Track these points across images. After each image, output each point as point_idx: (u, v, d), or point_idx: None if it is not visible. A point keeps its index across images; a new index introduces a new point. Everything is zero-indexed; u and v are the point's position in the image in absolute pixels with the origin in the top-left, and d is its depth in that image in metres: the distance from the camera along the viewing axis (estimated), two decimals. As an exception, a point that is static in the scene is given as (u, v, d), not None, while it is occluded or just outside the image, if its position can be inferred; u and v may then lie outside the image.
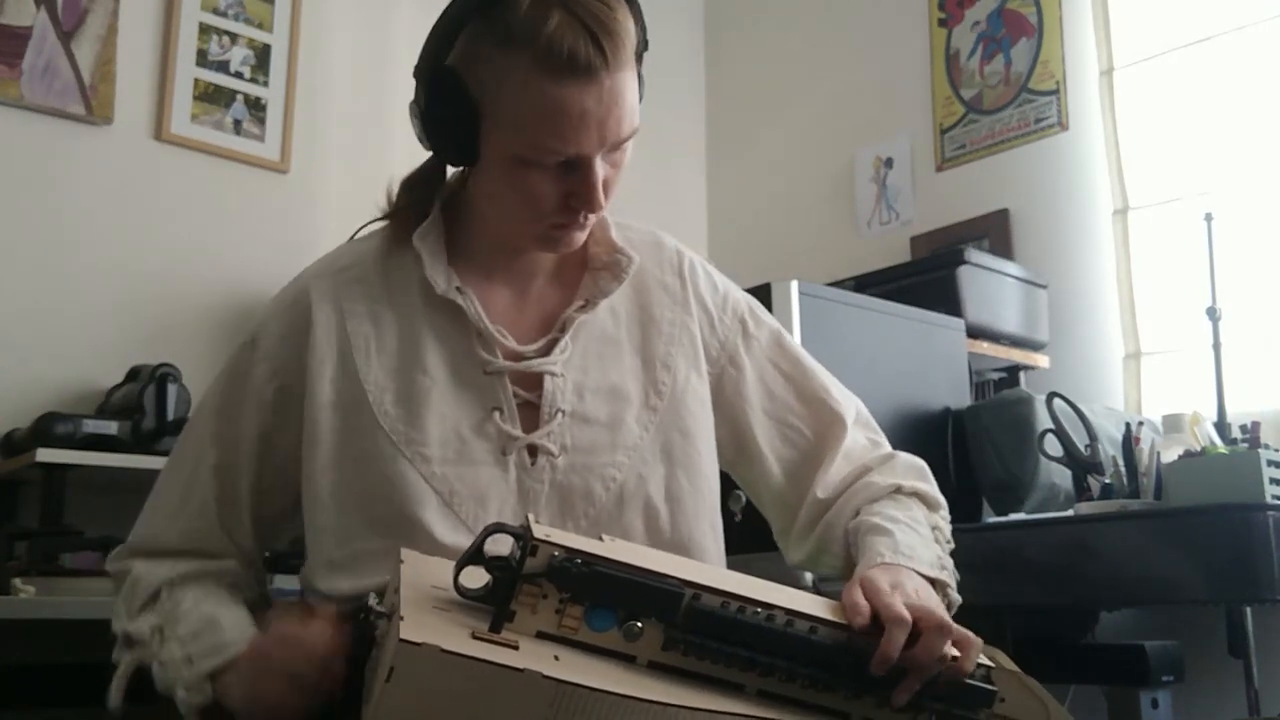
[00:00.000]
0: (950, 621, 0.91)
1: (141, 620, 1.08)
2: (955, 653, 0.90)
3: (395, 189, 1.15)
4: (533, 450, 1.08)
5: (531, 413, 1.09)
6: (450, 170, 1.14)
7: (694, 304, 1.20)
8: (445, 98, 1.02)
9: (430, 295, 1.10)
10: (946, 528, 1.17)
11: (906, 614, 0.89)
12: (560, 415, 1.09)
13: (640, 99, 1.06)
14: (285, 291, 1.16)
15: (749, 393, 1.20)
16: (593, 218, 1.07)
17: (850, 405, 1.24)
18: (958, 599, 1.08)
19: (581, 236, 1.09)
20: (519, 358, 1.10)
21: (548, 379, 1.10)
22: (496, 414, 1.08)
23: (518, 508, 1.06)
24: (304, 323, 1.11)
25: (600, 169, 1.02)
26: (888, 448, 1.23)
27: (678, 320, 1.18)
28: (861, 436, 1.22)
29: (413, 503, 1.03)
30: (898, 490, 1.16)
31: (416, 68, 1.06)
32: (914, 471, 1.20)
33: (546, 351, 1.11)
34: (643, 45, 1.05)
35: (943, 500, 1.20)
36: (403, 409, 1.07)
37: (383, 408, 1.07)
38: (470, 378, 1.09)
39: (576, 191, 1.03)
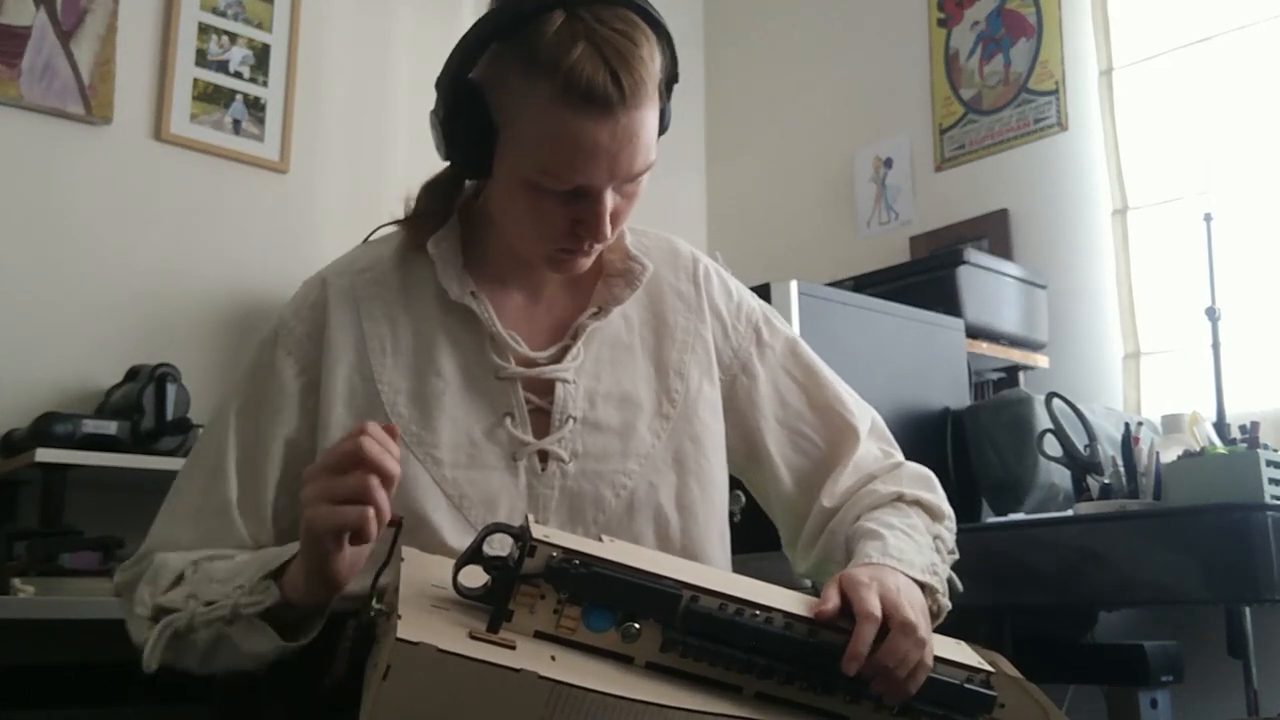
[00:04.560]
0: (915, 620, 0.90)
1: (172, 594, 1.00)
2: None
3: (414, 193, 1.14)
4: (543, 456, 1.08)
5: (543, 419, 1.09)
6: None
7: (708, 311, 1.20)
8: (465, 111, 1.01)
9: (444, 300, 1.10)
10: (949, 538, 1.16)
11: (878, 610, 0.89)
12: (571, 422, 1.09)
13: (664, 130, 1.06)
14: (305, 289, 1.14)
15: (761, 401, 1.20)
16: (599, 246, 1.07)
17: (865, 416, 1.23)
18: (947, 605, 1.07)
19: (587, 263, 1.09)
20: (531, 364, 1.10)
21: (559, 385, 1.10)
22: (508, 419, 1.08)
23: (527, 513, 1.06)
24: (322, 320, 1.10)
25: (610, 200, 1.02)
26: (900, 458, 1.23)
27: (691, 327, 1.18)
28: (874, 448, 1.21)
29: (422, 504, 1.03)
30: (899, 498, 1.15)
31: (439, 78, 1.05)
32: (919, 481, 1.19)
33: (559, 358, 1.11)
34: (672, 78, 1.05)
35: (948, 511, 1.19)
36: (416, 410, 1.07)
37: (396, 408, 1.07)
38: (482, 383, 1.09)
39: (584, 220, 1.02)
